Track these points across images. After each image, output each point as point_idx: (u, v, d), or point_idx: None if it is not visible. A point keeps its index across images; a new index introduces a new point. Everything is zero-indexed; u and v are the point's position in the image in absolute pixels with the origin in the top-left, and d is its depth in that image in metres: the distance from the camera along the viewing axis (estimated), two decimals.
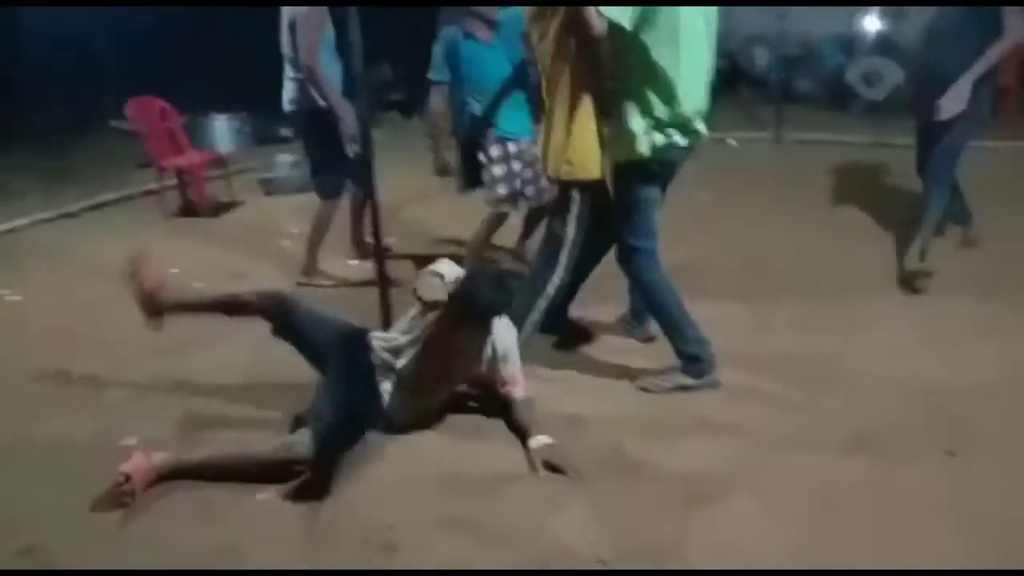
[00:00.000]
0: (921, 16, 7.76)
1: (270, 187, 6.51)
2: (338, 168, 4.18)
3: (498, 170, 3.88)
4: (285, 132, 9.00)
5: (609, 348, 3.37)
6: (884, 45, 8.68)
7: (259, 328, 3.71)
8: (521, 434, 2.64)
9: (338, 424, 2.53)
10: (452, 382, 2.81)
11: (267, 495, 2.42)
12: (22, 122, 8.73)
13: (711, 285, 3.76)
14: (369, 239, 4.30)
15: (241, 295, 2.88)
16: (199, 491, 2.46)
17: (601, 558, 2.10)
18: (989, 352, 3.14)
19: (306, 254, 4.41)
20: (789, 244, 4.58)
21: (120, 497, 2.37)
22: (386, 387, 2.70)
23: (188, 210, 6.07)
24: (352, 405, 2.60)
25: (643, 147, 2.74)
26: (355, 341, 2.78)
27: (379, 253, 3.38)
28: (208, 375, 3.25)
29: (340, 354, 2.74)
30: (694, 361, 2.92)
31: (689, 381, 2.92)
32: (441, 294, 2.60)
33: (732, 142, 7.21)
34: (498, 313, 2.63)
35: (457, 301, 2.57)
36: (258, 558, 2.18)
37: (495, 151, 3.86)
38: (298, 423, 2.64)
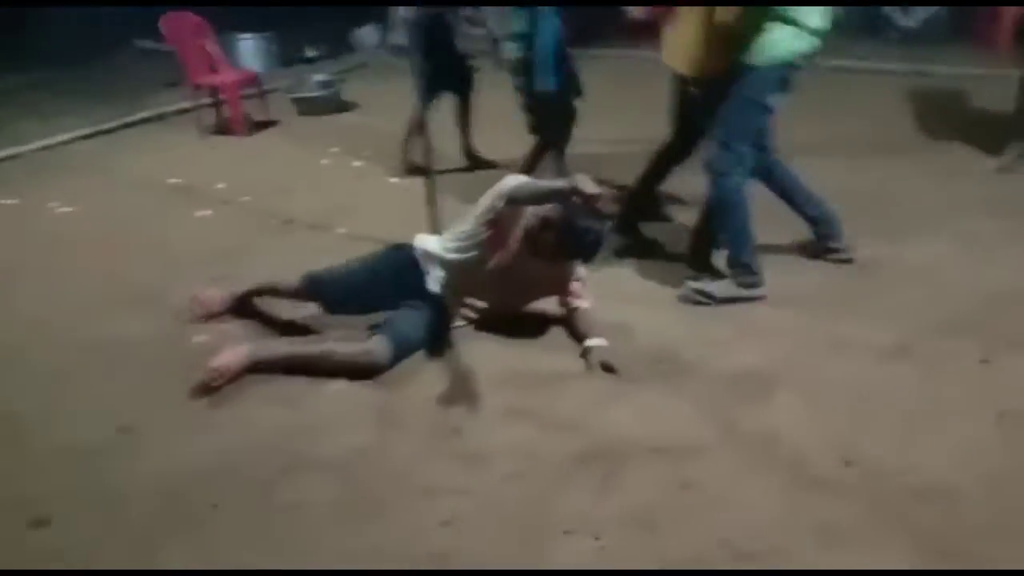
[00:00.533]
0: None
1: (303, 107, 6.55)
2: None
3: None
4: (311, 53, 9.00)
5: (656, 257, 3.49)
6: None
7: (313, 236, 3.88)
8: (579, 338, 2.78)
9: (417, 342, 2.70)
10: (533, 299, 2.96)
11: (340, 386, 2.58)
12: (42, 42, 8.73)
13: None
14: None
15: (281, 284, 3.00)
16: (275, 382, 2.63)
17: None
18: (1012, 265, 3.25)
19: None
20: (831, 164, 4.59)
21: (211, 388, 2.56)
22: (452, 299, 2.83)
23: (223, 129, 6.13)
24: (427, 324, 2.74)
25: (792, 51, 2.80)
26: (406, 268, 2.83)
27: (428, 163, 3.45)
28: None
29: (398, 287, 2.81)
30: (747, 272, 3.01)
31: (740, 292, 3.01)
32: (592, 186, 2.44)
33: None
34: (599, 249, 2.67)
35: (563, 237, 2.59)
36: (332, 438, 2.35)
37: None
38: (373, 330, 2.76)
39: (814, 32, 2.80)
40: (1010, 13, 7.11)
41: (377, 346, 2.62)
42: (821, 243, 3.37)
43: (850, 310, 2.97)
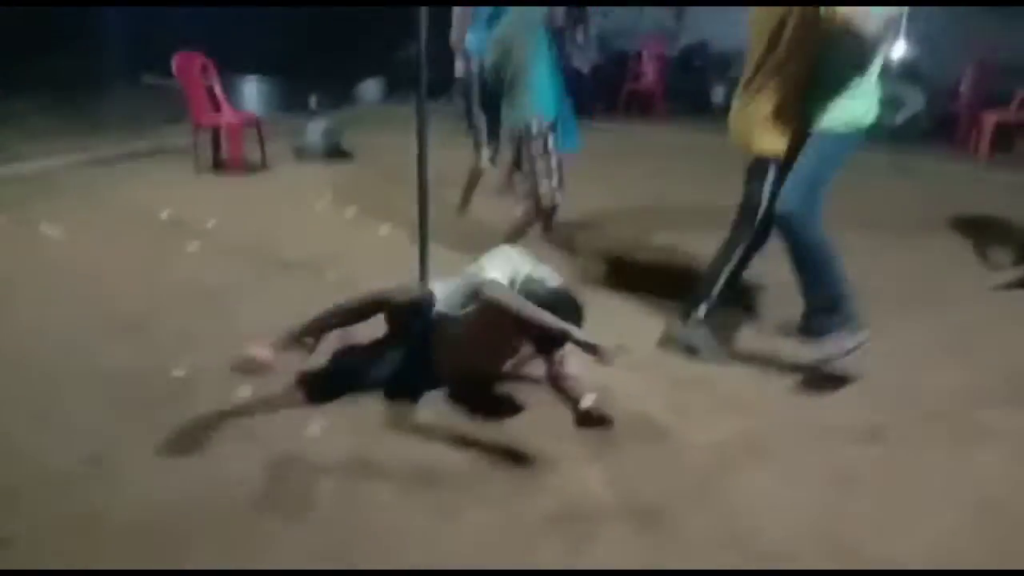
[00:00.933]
0: (948, 45, 8.00)
1: (301, 153, 6.65)
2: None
3: (553, 161, 4.02)
4: (313, 101, 9.15)
5: (638, 323, 3.51)
6: (909, 72, 8.83)
7: (300, 280, 3.90)
8: (571, 398, 2.78)
9: (374, 383, 2.73)
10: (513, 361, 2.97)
11: (315, 430, 2.58)
12: (48, 67, 8.84)
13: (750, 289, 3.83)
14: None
15: (379, 298, 2.78)
16: (250, 421, 2.63)
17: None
18: (995, 356, 3.32)
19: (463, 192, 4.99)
20: None
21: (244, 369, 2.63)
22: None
23: (221, 168, 6.19)
24: (400, 377, 2.78)
25: (871, 116, 2.96)
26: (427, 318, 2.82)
27: (423, 208, 3.49)
28: (250, 317, 3.37)
29: (415, 334, 2.81)
30: (851, 317, 3.00)
31: (849, 343, 2.97)
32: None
33: None
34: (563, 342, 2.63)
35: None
36: (305, 481, 2.34)
37: (550, 141, 3.99)
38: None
39: (882, 100, 2.99)
40: (991, 121, 7.39)
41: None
42: (807, 332, 3.38)
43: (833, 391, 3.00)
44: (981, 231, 4.95)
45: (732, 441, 2.64)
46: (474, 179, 4.97)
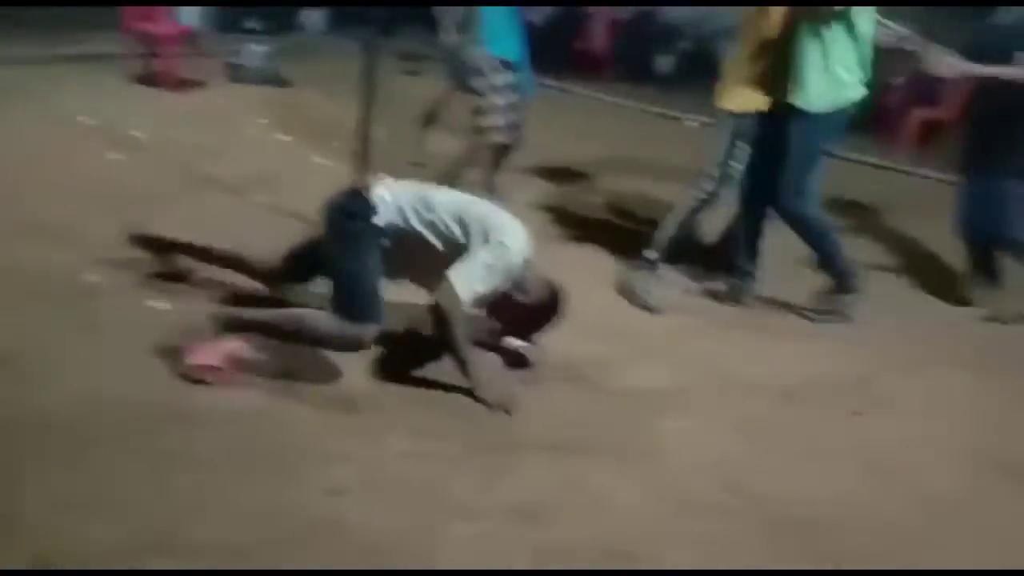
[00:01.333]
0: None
1: (237, 74, 6.38)
2: None
3: (500, 99, 3.96)
4: (252, 23, 8.77)
5: (583, 272, 3.49)
6: None
7: (228, 199, 3.80)
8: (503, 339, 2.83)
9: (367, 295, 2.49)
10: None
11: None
12: None
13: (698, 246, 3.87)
14: None
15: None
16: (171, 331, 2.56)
17: None
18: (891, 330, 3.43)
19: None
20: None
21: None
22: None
23: (150, 80, 5.89)
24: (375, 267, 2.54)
25: (853, 95, 3.08)
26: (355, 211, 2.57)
27: (366, 123, 3.42)
28: (169, 228, 3.19)
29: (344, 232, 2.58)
30: (849, 281, 3.28)
31: (849, 300, 3.28)
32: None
33: (692, 123, 7.38)
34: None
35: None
36: (227, 394, 2.31)
37: (500, 79, 3.95)
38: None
39: (863, 82, 3.12)
40: (919, 117, 7.63)
41: (364, 329, 2.44)
42: (730, 295, 3.52)
43: (754, 351, 3.11)
44: (868, 216, 5.03)
45: (657, 389, 2.72)
46: (433, 114, 4.84)
